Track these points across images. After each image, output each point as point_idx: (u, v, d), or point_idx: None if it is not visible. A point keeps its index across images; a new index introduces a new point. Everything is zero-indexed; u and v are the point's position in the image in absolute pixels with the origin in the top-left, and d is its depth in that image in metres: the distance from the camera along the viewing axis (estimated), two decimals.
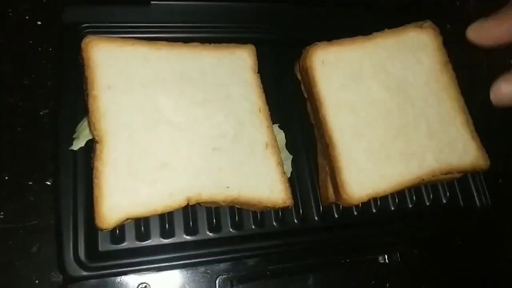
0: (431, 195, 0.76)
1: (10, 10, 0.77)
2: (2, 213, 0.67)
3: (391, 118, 0.68)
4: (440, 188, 0.77)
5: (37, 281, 0.64)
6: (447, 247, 0.71)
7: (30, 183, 0.69)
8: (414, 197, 0.75)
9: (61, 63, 0.66)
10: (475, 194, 0.76)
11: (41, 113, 0.73)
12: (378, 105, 0.69)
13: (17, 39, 0.76)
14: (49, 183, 0.70)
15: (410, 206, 0.75)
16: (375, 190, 0.65)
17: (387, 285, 0.68)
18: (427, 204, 0.75)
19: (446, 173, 0.69)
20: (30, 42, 0.76)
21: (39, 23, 0.78)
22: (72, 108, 0.63)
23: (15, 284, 0.64)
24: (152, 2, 0.72)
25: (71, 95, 0.64)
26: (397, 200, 0.74)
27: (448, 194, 0.76)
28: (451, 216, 0.75)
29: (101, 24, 0.67)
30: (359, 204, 0.71)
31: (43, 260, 0.65)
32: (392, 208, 0.74)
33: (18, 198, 0.67)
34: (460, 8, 0.93)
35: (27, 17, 0.77)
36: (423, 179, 0.67)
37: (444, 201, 0.76)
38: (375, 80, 0.69)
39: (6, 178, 0.69)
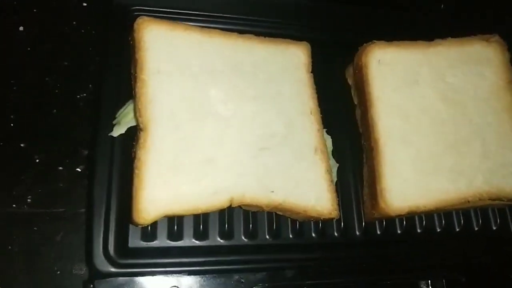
0: (480, 221, 0.70)
1: None
2: (29, 197, 0.64)
3: (444, 130, 0.64)
4: (490, 214, 0.71)
5: (58, 272, 0.62)
6: (499, 279, 0.66)
7: (61, 168, 0.67)
8: (462, 221, 0.70)
9: (106, 45, 0.62)
10: None
11: (78, 96, 0.71)
12: (431, 114, 0.65)
13: (61, 20, 0.74)
14: (79, 170, 0.67)
15: (458, 229, 0.69)
16: (416, 203, 0.61)
17: None
18: (476, 229, 0.70)
19: (495, 199, 0.64)
20: (74, 23, 0.74)
21: (84, 4, 0.76)
22: (114, 93, 0.60)
23: (35, 272, 0.61)
24: None
25: (114, 79, 0.60)
26: (443, 221, 0.69)
27: (498, 221, 0.71)
28: (504, 245, 0.69)
29: (152, 8, 0.64)
30: (403, 222, 0.67)
31: (67, 250, 0.63)
32: (438, 230, 0.69)
33: (47, 183, 0.65)
34: None
35: None
36: (468, 201, 0.63)
37: (494, 228, 0.71)
38: (431, 88, 0.66)
39: (37, 160, 0.66)
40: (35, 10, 0.73)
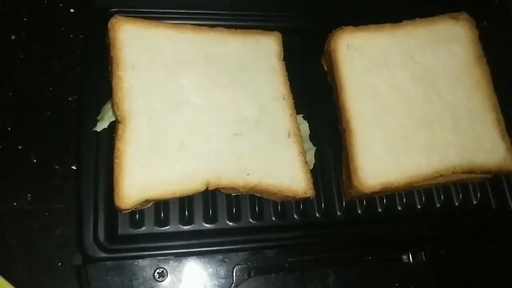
0: (461, 196, 0.72)
1: None
2: (29, 195, 0.68)
3: (415, 108, 0.66)
4: (470, 188, 0.73)
5: (59, 264, 0.65)
6: (477, 250, 0.68)
7: (57, 167, 0.70)
8: (442, 197, 0.72)
9: (88, 46, 0.67)
10: (508, 197, 0.72)
11: (70, 98, 0.74)
12: (402, 94, 0.67)
13: (50, 26, 0.78)
14: (74, 168, 0.71)
15: (438, 205, 0.72)
16: (389, 180, 0.63)
17: (410, 286, 0.66)
18: (456, 204, 0.72)
19: (469, 172, 0.66)
20: (62, 28, 0.78)
21: (71, 10, 0.80)
22: (98, 91, 0.64)
23: (37, 265, 0.65)
24: None
25: (98, 78, 0.64)
26: (423, 198, 0.71)
27: (479, 195, 0.73)
28: (482, 218, 0.71)
29: (129, 9, 0.68)
30: (383, 200, 0.70)
31: (66, 243, 0.66)
32: (419, 206, 0.71)
33: (45, 181, 0.69)
34: (499, 5, 0.89)
35: (60, 4, 0.79)
36: (441, 175, 0.65)
37: (475, 202, 0.73)
38: (401, 68, 0.68)
39: (34, 161, 0.70)
40: (25, 19, 0.77)
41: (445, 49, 0.70)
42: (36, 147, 0.71)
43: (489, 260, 0.67)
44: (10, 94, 0.73)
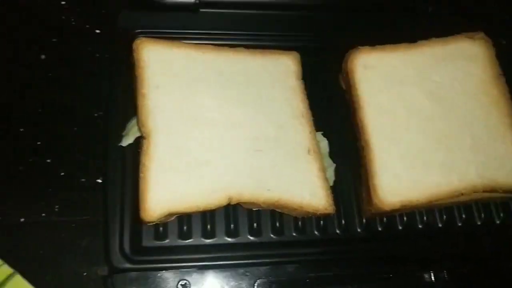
0: (483, 215, 0.72)
1: (72, 19, 0.83)
2: (57, 206, 0.70)
3: (432, 126, 0.67)
4: (493, 208, 0.73)
5: (84, 273, 0.67)
6: (500, 269, 0.67)
7: (83, 180, 0.72)
8: (463, 215, 0.72)
9: (113, 65, 0.70)
10: None
11: (96, 115, 0.77)
12: (419, 113, 0.68)
13: (77, 46, 0.81)
14: (100, 181, 0.73)
15: (460, 224, 0.71)
16: (408, 198, 0.63)
17: None
18: (478, 223, 0.72)
19: (490, 191, 0.66)
20: (89, 49, 0.82)
21: (97, 31, 0.83)
22: (123, 108, 0.67)
23: (63, 275, 0.66)
24: (200, 10, 0.75)
25: (123, 96, 0.67)
26: (444, 216, 0.71)
27: (501, 214, 0.72)
28: (505, 237, 0.70)
29: (152, 30, 0.71)
30: (403, 218, 0.70)
31: (92, 254, 0.67)
32: (440, 225, 0.71)
33: (72, 193, 0.71)
34: None
35: (87, 26, 0.83)
36: (462, 193, 0.65)
37: (498, 222, 0.72)
38: (417, 87, 0.69)
39: (62, 174, 0.72)
40: (54, 40, 0.81)
41: (461, 68, 0.71)
42: (64, 161, 0.73)
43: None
44: (40, 110, 0.76)
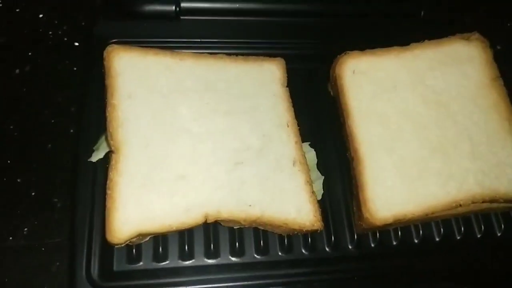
0: (483, 227, 0.67)
1: (50, 32, 0.80)
2: (26, 229, 0.66)
3: (427, 133, 0.63)
4: (493, 219, 0.68)
5: None
6: (505, 284, 0.62)
7: (55, 200, 0.69)
8: (462, 228, 0.67)
9: (87, 77, 0.65)
10: None
11: (72, 131, 0.73)
12: (413, 119, 0.63)
13: (54, 59, 0.78)
14: None
15: (458, 237, 0.66)
16: (402, 211, 0.59)
17: None
18: (478, 236, 0.67)
19: (490, 201, 0.62)
20: (66, 62, 0.78)
21: (76, 44, 0.80)
22: (96, 122, 0.62)
23: None
24: (182, 17, 0.71)
25: (96, 109, 0.63)
26: (442, 230, 0.66)
27: (502, 226, 0.67)
28: (508, 249, 0.65)
29: (129, 40, 0.67)
30: (398, 233, 0.65)
31: (61, 279, 0.63)
32: (437, 239, 0.66)
33: (42, 215, 0.67)
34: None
35: (65, 39, 0.80)
36: (460, 205, 0.60)
37: (499, 234, 0.67)
38: (411, 92, 0.65)
39: (33, 194, 0.69)
40: (30, 53, 0.78)
41: (457, 71, 0.67)
42: (35, 180, 0.69)
43: None
44: (12, 127, 0.73)
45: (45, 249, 0.65)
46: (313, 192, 0.59)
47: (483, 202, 0.61)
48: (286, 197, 0.58)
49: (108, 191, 0.53)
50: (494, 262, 0.64)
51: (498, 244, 0.66)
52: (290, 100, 0.65)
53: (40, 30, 0.80)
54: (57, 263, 0.64)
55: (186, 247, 0.60)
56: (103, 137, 0.61)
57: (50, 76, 0.77)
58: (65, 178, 0.69)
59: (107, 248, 0.58)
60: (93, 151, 0.61)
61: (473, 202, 0.61)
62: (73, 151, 0.70)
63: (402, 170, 0.61)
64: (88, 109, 0.63)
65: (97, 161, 0.61)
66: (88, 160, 0.60)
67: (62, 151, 0.72)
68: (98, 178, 0.60)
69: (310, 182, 0.60)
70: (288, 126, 0.62)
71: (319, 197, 0.62)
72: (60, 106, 0.75)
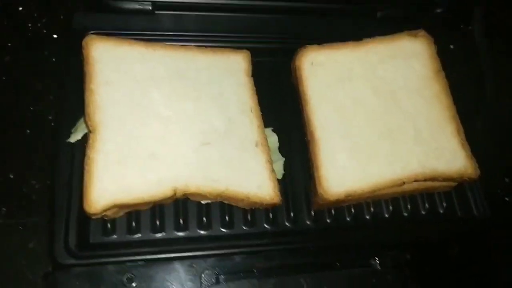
0: (427, 205, 0.75)
1: (29, 24, 0.84)
2: (4, 208, 0.69)
3: (377, 120, 0.70)
4: (436, 198, 0.75)
5: (31, 277, 0.65)
6: (443, 255, 0.69)
7: (33, 182, 0.72)
8: (409, 206, 0.74)
9: (66, 66, 0.70)
10: (472, 205, 0.75)
11: (50, 117, 0.77)
12: (364, 107, 0.70)
13: (33, 50, 0.81)
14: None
15: (405, 214, 0.74)
16: (353, 188, 0.65)
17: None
18: (423, 213, 0.74)
19: (431, 179, 0.69)
20: (46, 53, 0.82)
21: (55, 36, 0.84)
22: (73, 106, 0.67)
23: (8, 278, 0.65)
24: (156, 12, 0.76)
25: (74, 95, 0.67)
26: (391, 207, 0.73)
27: (445, 204, 0.75)
28: (448, 225, 0.73)
29: (106, 32, 0.72)
30: (351, 210, 0.71)
31: (39, 256, 0.66)
32: (386, 215, 0.73)
33: (21, 195, 0.70)
34: (464, 30, 0.95)
35: (44, 31, 0.84)
36: (404, 182, 0.67)
37: (441, 211, 0.75)
38: (363, 83, 0.72)
39: (11, 176, 0.71)
40: (9, 44, 0.81)
41: (404, 64, 0.74)
42: (14, 164, 0.72)
43: (453, 263, 0.69)
44: None
45: (23, 227, 0.68)
46: (273, 170, 0.66)
47: (425, 180, 0.69)
48: (249, 174, 0.64)
49: (86, 167, 0.59)
50: (435, 233, 0.71)
51: (440, 219, 0.74)
52: (254, 88, 0.71)
53: (20, 22, 0.84)
54: (35, 240, 0.67)
55: (158, 222, 0.66)
56: (81, 120, 0.66)
57: (30, 66, 0.80)
58: (42, 162, 0.72)
59: (84, 223, 0.63)
60: (71, 133, 0.66)
61: (416, 181, 0.68)
62: (53, 135, 0.75)
63: (353, 152, 0.68)
64: (66, 95, 0.68)
65: (75, 142, 0.65)
66: (67, 141, 0.65)
67: (39, 136, 0.74)
68: (76, 157, 0.65)
69: (270, 162, 0.66)
70: (251, 112, 0.68)
71: (280, 177, 0.68)
72: (39, 95, 0.78)
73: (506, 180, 0.79)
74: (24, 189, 0.71)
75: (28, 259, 0.66)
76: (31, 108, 0.77)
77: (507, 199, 0.78)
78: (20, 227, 0.68)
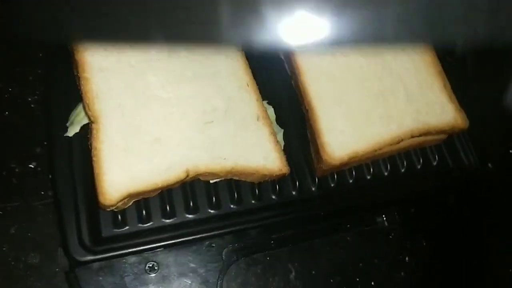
0: (421, 159, 0.78)
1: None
2: None
3: (369, 84, 0.72)
4: (428, 152, 0.79)
5: (13, 263, 0.64)
6: (442, 204, 0.74)
7: (13, 165, 0.69)
8: (405, 162, 0.77)
9: (54, 55, 0.67)
10: (462, 155, 0.79)
11: (30, 99, 0.74)
12: (356, 73, 0.72)
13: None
14: (32, 166, 0.69)
15: (403, 170, 0.76)
16: (355, 150, 0.67)
17: (389, 242, 0.70)
18: (418, 167, 0.77)
19: (426, 133, 0.72)
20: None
21: None
22: (64, 97, 0.64)
23: None
24: None
25: (63, 84, 0.65)
26: (388, 166, 0.76)
27: (437, 157, 0.79)
28: (442, 176, 0.77)
29: None
30: (353, 172, 0.74)
31: (21, 241, 0.65)
32: (386, 174, 0.75)
33: (1, 180, 0.68)
34: None
35: None
36: (401, 139, 0.70)
37: (434, 164, 0.78)
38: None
39: None
40: None
41: None
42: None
43: (453, 210, 0.73)
44: None
45: (3, 213, 0.66)
46: (277, 142, 0.66)
47: (420, 135, 0.72)
48: (254, 148, 0.64)
49: (94, 159, 0.57)
50: (432, 186, 0.75)
51: (434, 172, 0.77)
52: (247, 63, 0.71)
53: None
54: (16, 226, 0.66)
55: (168, 207, 0.65)
56: (75, 112, 0.63)
57: (7, 47, 0.76)
58: (24, 145, 0.70)
59: (94, 218, 0.61)
60: (66, 127, 0.63)
61: (412, 137, 0.71)
62: (31, 118, 0.71)
63: (350, 116, 0.69)
64: (55, 86, 0.65)
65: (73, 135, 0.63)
66: (65, 135, 0.62)
67: (20, 119, 0.72)
68: (75, 152, 0.63)
69: (274, 133, 0.66)
70: (248, 86, 0.68)
71: (282, 148, 0.69)
72: (18, 75, 0.74)
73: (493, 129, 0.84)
74: (4, 173, 0.68)
75: (9, 245, 0.64)
76: (10, 89, 0.74)
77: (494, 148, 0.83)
78: (1, 212, 0.66)
